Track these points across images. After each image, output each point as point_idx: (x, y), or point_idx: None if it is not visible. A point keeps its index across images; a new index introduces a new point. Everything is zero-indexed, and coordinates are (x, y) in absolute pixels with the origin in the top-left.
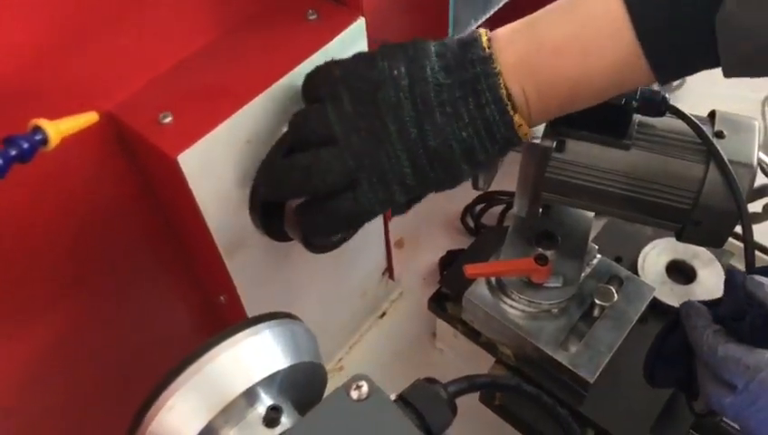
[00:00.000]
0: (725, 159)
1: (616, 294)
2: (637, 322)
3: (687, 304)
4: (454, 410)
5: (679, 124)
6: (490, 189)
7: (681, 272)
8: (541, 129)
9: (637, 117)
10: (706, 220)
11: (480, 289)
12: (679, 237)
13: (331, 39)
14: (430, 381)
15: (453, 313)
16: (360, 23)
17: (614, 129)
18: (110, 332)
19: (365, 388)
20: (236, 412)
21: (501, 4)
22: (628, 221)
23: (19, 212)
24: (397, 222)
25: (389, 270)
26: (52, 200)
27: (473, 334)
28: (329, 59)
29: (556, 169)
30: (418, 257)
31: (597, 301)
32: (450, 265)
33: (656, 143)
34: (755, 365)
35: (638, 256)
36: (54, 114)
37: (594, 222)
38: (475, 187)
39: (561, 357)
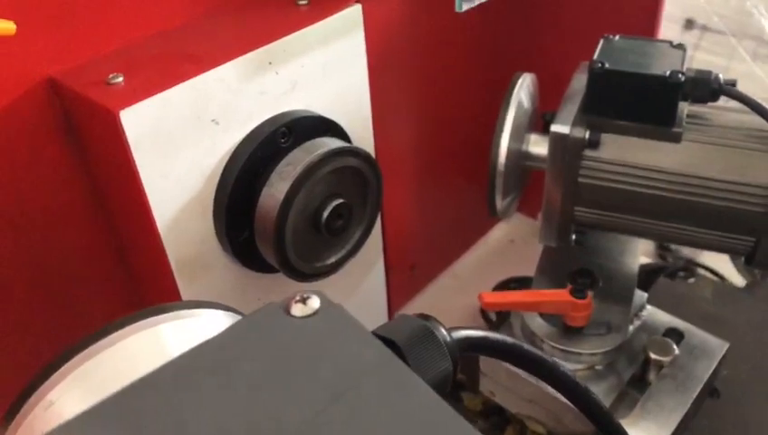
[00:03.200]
0: None
1: (676, 348)
2: (707, 395)
3: None
4: (455, 364)
5: (739, 113)
6: (510, 276)
7: None
8: None
9: (684, 107)
10: None
11: None
12: (751, 260)
13: (316, 22)
14: (424, 317)
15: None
16: (355, 9)
17: (659, 113)
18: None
19: (314, 302)
20: None
21: None
22: (685, 244)
23: None
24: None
25: None
26: None
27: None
28: (316, 42)
29: (590, 172)
30: None
31: (652, 355)
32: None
33: (711, 134)
34: None
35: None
36: None
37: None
38: (493, 212)
39: None
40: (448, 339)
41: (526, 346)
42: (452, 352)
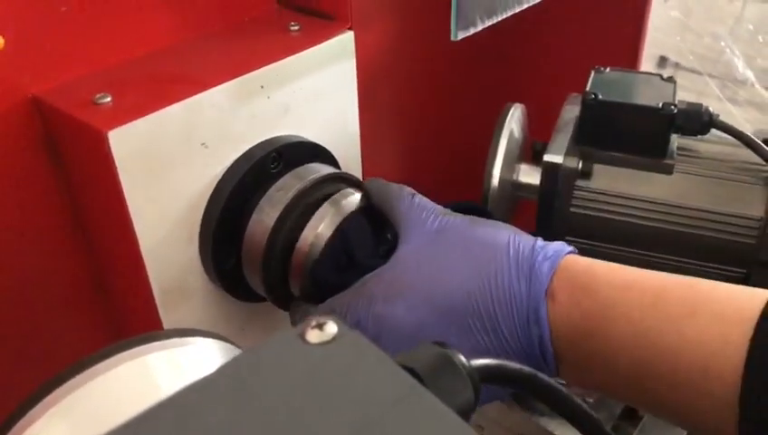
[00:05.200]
0: None
1: None
2: None
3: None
4: (477, 394)
5: (726, 146)
6: None
7: None
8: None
9: (675, 139)
10: None
11: None
12: None
13: (308, 47)
14: (440, 344)
15: None
16: (347, 36)
17: (651, 145)
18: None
19: (332, 328)
20: None
21: (510, 12)
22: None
23: None
24: None
25: None
26: None
27: None
28: (308, 67)
29: (582, 202)
30: None
31: None
32: None
33: (702, 166)
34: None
35: None
36: None
37: None
38: None
39: None
40: (468, 367)
41: (542, 376)
42: (473, 381)
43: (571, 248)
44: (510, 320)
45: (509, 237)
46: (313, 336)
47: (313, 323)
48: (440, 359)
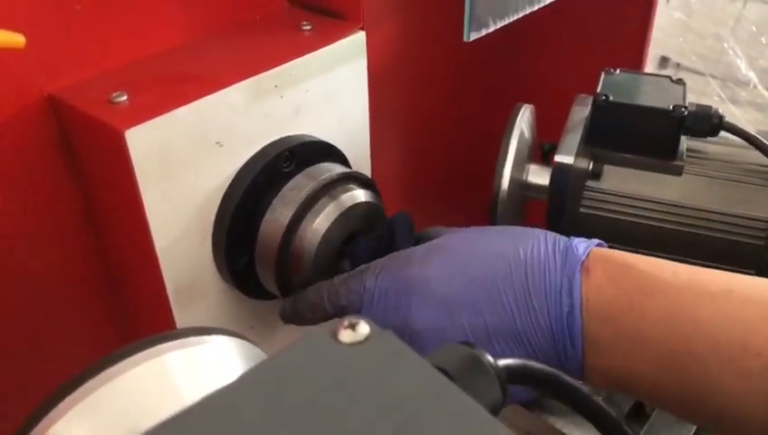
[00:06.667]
0: None
1: None
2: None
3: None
4: (504, 394)
5: (734, 148)
6: None
7: None
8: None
9: (684, 141)
10: None
11: None
12: None
13: (321, 47)
14: (467, 344)
15: None
16: (359, 36)
17: (661, 146)
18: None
19: (364, 328)
20: None
21: (522, 14)
22: None
23: None
24: None
25: None
26: None
27: None
28: (321, 67)
29: (592, 202)
30: None
31: None
32: None
33: (711, 167)
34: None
35: None
36: None
37: None
38: None
39: None
40: (495, 367)
41: (564, 376)
42: (501, 380)
43: (599, 241)
44: (542, 289)
45: (544, 231)
46: (346, 336)
47: (345, 323)
48: (469, 359)
